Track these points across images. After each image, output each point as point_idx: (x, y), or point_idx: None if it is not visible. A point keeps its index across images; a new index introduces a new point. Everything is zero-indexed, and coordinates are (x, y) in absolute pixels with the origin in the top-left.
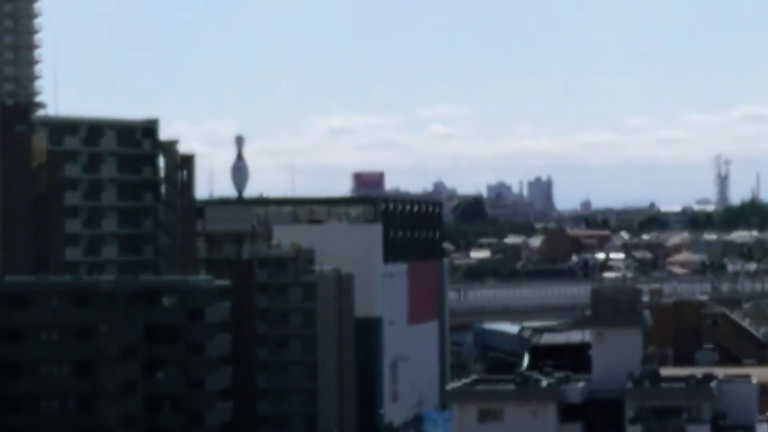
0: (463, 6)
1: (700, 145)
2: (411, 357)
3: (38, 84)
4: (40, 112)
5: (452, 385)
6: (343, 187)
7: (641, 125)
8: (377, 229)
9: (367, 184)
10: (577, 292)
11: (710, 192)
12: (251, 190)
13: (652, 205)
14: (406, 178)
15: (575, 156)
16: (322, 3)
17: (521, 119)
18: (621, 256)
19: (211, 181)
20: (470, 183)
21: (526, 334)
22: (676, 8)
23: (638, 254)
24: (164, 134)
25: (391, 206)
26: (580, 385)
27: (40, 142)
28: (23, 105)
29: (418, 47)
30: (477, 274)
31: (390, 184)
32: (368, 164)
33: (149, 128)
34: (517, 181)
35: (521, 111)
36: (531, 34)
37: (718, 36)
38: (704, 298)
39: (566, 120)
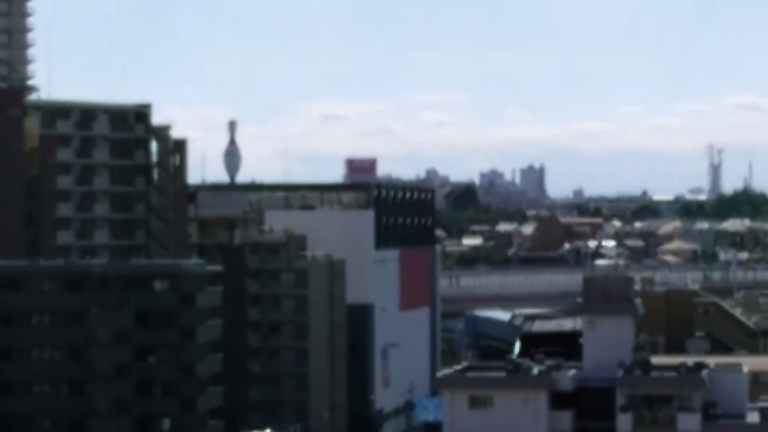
0: None
1: (692, 134)
2: (402, 343)
3: (31, 68)
4: (33, 96)
5: (443, 371)
6: (336, 174)
7: (634, 114)
8: (369, 215)
9: (360, 170)
10: (569, 279)
11: (703, 181)
12: (244, 176)
13: (644, 193)
14: (398, 165)
15: (568, 144)
16: None
17: (514, 107)
18: (613, 244)
19: (204, 166)
20: (463, 170)
21: (518, 321)
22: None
23: (630, 242)
24: (157, 119)
25: (383, 193)
26: (571, 372)
27: (32, 126)
28: (16, 89)
29: (411, 34)
30: (469, 261)
31: (382, 170)
32: (361, 151)
33: (142, 113)
34: (510, 169)
35: (514, 98)
36: (524, 22)
37: (711, 24)
38: (696, 287)
39: (559, 108)
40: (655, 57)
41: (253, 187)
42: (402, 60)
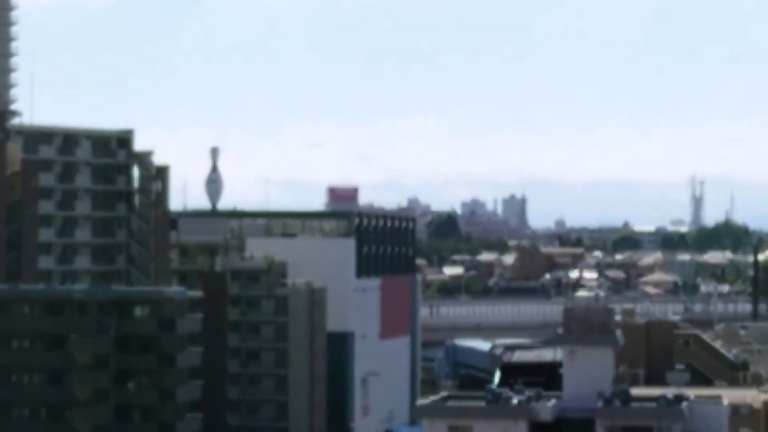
0: (440, 21)
1: (674, 165)
2: (382, 372)
3: (14, 92)
4: (16, 121)
5: (423, 400)
6: (318, 201)
7: (616, 144)
8: (351, 243)
9: (342, 198)
10: (550, 310)
11: (684, 212)
12: (225, 203)
13: (625, 224)
14: (380, 193)
15: (548, 174)
16: (299, 16)
17: (496, 135)
18: (594, 275)
19: (185, 193)
20: (444, 199)
21: (498, 351)
22: (651, 27)
23: (611, 273)
24: (139, 145)
25: (365, 221)
26: (551, 403)
27: (14, 150)
28: None
29: (392, 61)
30: (450, 290)
31: (364, 198)
32: (342, 178)
33: (124, 138)
34: (491, 198)
35: (496, 127)
36: (506, 52)
37: (694, 56)
38: (676, 318)
39: (541, 137)
40: (638, 87)
41: (235, 214)
42: (384, 87)
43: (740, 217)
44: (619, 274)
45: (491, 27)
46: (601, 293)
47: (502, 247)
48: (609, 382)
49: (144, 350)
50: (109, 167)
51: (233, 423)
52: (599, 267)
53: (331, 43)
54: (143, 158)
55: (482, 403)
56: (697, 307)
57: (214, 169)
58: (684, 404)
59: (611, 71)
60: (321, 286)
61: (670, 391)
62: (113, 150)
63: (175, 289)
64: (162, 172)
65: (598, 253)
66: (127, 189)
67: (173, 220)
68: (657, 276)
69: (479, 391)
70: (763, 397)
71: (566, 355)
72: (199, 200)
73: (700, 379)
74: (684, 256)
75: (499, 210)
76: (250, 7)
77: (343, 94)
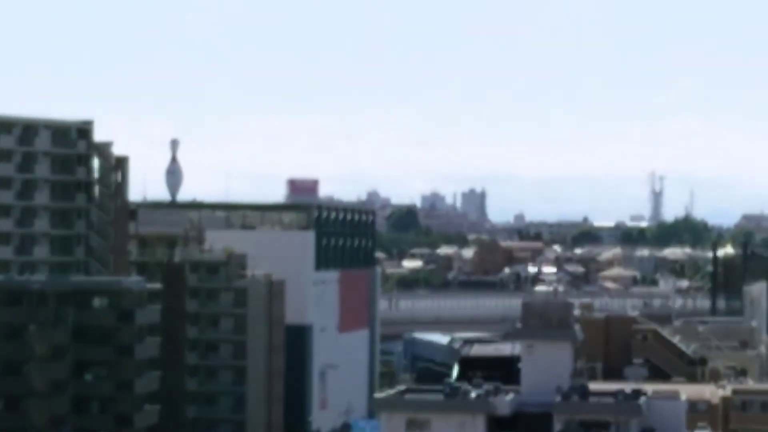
0: (399, 14)
1: (633, 161)
2: (340, 365)
3: None
4: None
5: (381, 394)
6: (277, 193)
7: (574, 139)
8: (310, 236)
9: (302, 190)
10: (509, 304)
11: (644, 208)
12: (185, 194)
13: (585, 219)
14: (340, 186)
15: (508, 168)
16: (258, 7)
17: (455, 129)
18: (553, 269)
19: (145, 184)
20: (404, 192)
21: (457, 344)
22: (609, 22)
23: (570, 268)
24: (99, 136)
25: (324, 214)
26: (509, 397)
27: None
28: None
29: (352, 55)
30: (409, 283)
31: (324, 191)
32: (302, 171)
33: (84, 129)
34: (451, 192)
35: (456, 121)
36: (466, 45)
37: (650, 51)
38: (635, 313)
39: (498, 131)
40: (597, 83)
41: (194, 206)
42: (344, 81)
43: (700, 213)
44: (578, 269)
45: (451, 21)
46: (560, 288)
47: (461, 241)
48: (567, 376)
49: (102, 341)
50: (68, 158)
51: (191, 415)
52: (558, 261)
53: (290, 34)
54: (103, 149)
55: (440, 397)
56: (656, 303)
57: (174, 160)
58: (642, 399)
59: (571, 66)
60: (280, 279)
61: (628, 386)
62: (73, 140)
63: (133, 279)
64: (121, 163)
65: (557, 248)
66: (87, 180)
67: (132, 211)
68: (616, 271)
69: (437, 384)
70: (720, 392)
71: (524, 350)
72: (158, 191)
73: (658, 374)
74: (643, 252)
75: (459, 204)
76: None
77: (303, 86)
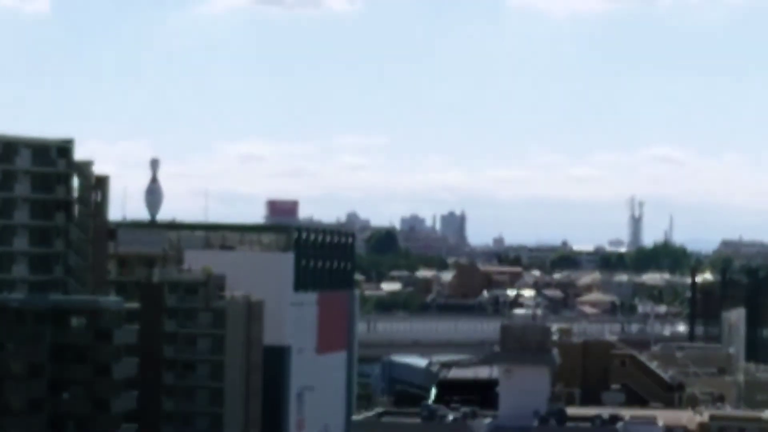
0: (376, 37)
1: (610, 186)
2: (318, 386)
3: None
4: None
5: (358, 416)
6: (257, 214)
7: (552, 163)
8: (289, 257)
9: (281, 212)
10: (487, 327)
11: (623, 233)
12: (164, 214)
13: (564, 243)
14: (317, 208)
15: (487, 191)
16: (237, 30)
17: (433, 152)
18: (532, 293)
19: (124, 203)
20: (383, 214)
21: (434, 368)
22: (586, 48)
23: (549, 292)
24: (79, 154)
25: (303, 235)
26: (487, 420)
27: None
28: None
29: (330, 77)
30: (387, 306)
31: (303, 213)
32: (279, 192)
33: (64, 148)
34: (431, 215)
35: (433, 144)
36: (442, 68)
37: (627, 77)
38: (613, 338)
39: (477, 154)
40: (577, 108)
41: (174, 226)
42: (321, 103)
43: (679, 239)
44: (556, 294)
45: (430, 45)
46: (539, 312)
47: (440, 264)
48: (545, 400)
49: (79, 360)
50: (48, 176)
51: None
52: (537, 286)
53: (269, 57)
54: (83, 168)
55: (418, 420)
56: (634, 328)
57: (154, 180)
58: (619, 424)
59: (550, 91)
60: (259, 300)
61: (605, 411)
62: (53, 159)
63: (111, 299)
64: (101, 182)
65: (536, 272)
66: (66, 198)
67: (112, 231)
68: (595, 296)
69: (415, 407)
70: (698, 418)
71: (502, 373)
72: (138, 211)
73: (635, 399)
74: (622, 277)
75: (438, 226)
76: (188, 22)
77: (280, 109)
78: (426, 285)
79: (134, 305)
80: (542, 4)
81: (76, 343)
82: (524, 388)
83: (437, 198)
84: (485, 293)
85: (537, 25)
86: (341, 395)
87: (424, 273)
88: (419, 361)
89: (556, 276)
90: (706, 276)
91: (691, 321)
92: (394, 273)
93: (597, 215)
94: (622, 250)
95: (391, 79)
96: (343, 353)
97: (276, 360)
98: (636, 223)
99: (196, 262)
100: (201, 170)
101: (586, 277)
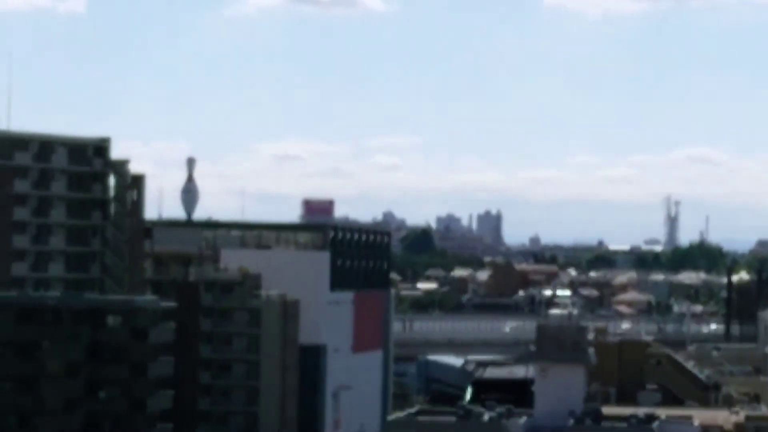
0: (411, 37)
1: (646, 186)
2: (354, 386)
3: None
4: None
5: (394, 415)
6: (291, 214)
7: (587, 163)
8: (325, 256)
9: (317, 211)
10: (523, 327)
11: (659, 232)
12: (200, 213)
13: (600, 243)
14: (352, 207)
15: (523, 191)
16: (272, 30)
17: (468, 153)
18: (568, 293)
19: (161, 202)
20: (419, 214)
21: (470, 367)
22: (621, 48)
23: (585, 292)
24: (115, 153)
25: (339, 234)
26: (522, 420)
27: None
28: None
29: (367, 78)
30: (423, 305)
31: (339, 212)
32: (315, 192)
33: (101, 147)
34: (467, 214)
35: (468, 145)
36: (479, 69)
37: (663, 78)
38: (649, 338)
39: (512, 155)
40: (615, 108)
41: (210, 225)
42: (358, 104)
43: (715, 238)
44: (592, 293)
45: (465, 45)
46: (575, 311)
47: (476, 263)
48: (580, 400)
49: (116, 359)
50: (84, 175)
51: None
52: (573, 285)
53: (307, 58)
54: (119, 167)
55: (453, 419)
56: (670, 327)
57: (190, 179)
58: (655, 424)
59: (586, 91)
60: (294, 299)
61: (641, 411)
62: (89, 158)
63: (148, 298)
64: (138, 181)
65: (572, 271)
66: (103, 197)
67: (148, 230)
68: (631, 295)
69: (451, 406)
70: (734, 418)
71: (538, 373)
72: (174, 210)
73: (671, 399)
74: (658, 276)
75: (474, 226)
76: (223, 22)
77: (317, 109)
78: (462, 284)
79: (170, 304)
80: (577, 5)
81: (113, 343)
82: (560, 387)
83: (473, 198)
84: (521, 293)
85: (571, 25)
86: (377, 394)
87: (459, 272)
88: (455, 361)
89: (592, 275)
90: (742, 275)
91: (727, 321)
92: (430, 272)
93: (633, 215)
94: (658, 249)
95: (426, 79)
96: (379, 352)
97: (312, 359)
98: (672, 222)
99: (232, 261)
100: (237, 170)
101: (622, 277)
